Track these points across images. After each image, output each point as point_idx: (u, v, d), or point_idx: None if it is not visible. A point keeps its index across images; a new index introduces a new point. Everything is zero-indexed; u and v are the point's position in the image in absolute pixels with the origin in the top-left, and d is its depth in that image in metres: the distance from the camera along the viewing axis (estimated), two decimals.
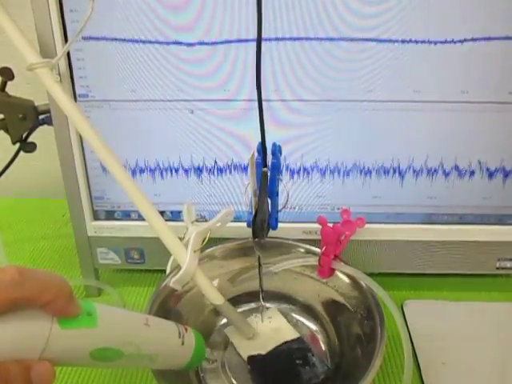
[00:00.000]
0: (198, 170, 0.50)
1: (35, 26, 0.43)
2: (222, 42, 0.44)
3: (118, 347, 0.30)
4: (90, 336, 0.28)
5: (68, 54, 0.45)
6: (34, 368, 0.25)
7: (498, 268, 0.54)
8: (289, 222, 0.52)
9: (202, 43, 0.45)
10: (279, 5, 0.43)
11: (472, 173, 0.50)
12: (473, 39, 0.44)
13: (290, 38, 0.44)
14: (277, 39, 0.44)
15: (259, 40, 0.32)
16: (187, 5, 0.43)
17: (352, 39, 0.44)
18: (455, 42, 0.44)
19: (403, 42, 0.44)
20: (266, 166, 0.38)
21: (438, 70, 0.45)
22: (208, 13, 0.43)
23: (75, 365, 0.30)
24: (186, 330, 0.37)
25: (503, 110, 0.47)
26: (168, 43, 0.45)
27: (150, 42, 0.45)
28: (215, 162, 0.50)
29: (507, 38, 0.44)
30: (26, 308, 0.25)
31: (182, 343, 0.36)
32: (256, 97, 0.35)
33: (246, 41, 0.44)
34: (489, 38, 0.44)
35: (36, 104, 0.51)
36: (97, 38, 0.45)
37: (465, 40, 0.44)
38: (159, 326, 0.36)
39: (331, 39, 0.44)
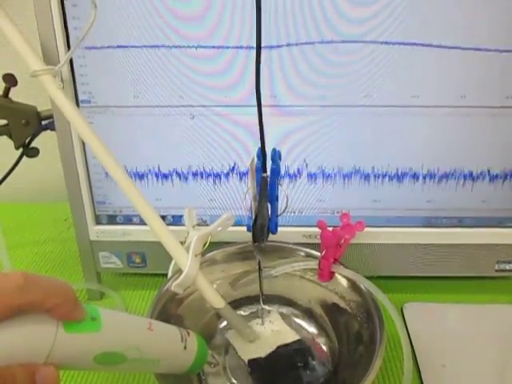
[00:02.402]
0: (199, 175, 0.51)
1: (38, 33, 0.44)
2: (223, 48, 0.45)
3: (121, 351, 0.30)
4: (94, 340, 0.29)
5: (71, 60, 0.46)
6: (38, 372, 0.25)
7: (497, 270, 0.54)
8: (289, 226, 0.52)
9: (204, 47, 0.45)
10: (276, 10, 0.43)
11: (470, 176, 0.50)
12: (471, 43, 0.44)
13: (288, 44, 0.45)
14: (276, 46, 0.45)
15: (258, 45, 0.33)
16: (192, 12, 0.44)
17: (348, 42, 0.44)
18: (453, 47, 0.44)
19: (401, 46, 0.44)
20: (265, 171, 0.38)
21: (436, 75, 0.46)
22: (212, 19, 0.44)
23: (79, 368, 0.30)
24: (188, 334, 0.38)
25: (501, 114, 0.47)
26: (170, 48, 0.45)
27: (152, 47, 0.45)
28: (216, 166, 0.50)
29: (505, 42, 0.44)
30: (31, 312, 0.26)
31: (185, 347, 0.36)
32: (256, 102, 0.35)
33: (247, 47, 0.45)
34: (486, 44, 0.44)
35: (39, 110, 0.51)
36: (99, 47, 0.45)
37: (463, 45, 0.44)
38: (162, 330, 0.36)
39: (328, 42, 0.44)
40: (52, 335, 0.26)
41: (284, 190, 0.46)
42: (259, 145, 0.37)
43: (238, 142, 0.49)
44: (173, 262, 0.47)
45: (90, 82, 0.47)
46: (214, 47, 0.45)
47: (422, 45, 0.44)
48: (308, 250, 0.49)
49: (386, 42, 0.44)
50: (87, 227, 0.53)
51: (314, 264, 0.46)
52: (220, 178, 0.51)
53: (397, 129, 0.48)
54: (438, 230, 0.52)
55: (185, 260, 0.40)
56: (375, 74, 0.46)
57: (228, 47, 0.45)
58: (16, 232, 0.71)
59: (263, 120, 0.36)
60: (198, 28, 0.44)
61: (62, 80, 0.45)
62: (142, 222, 0.42)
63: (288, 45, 0.44)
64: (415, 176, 0.50)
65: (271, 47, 0.45)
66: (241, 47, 0.45)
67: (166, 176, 0.51)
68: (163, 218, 0.47)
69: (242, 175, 0.51)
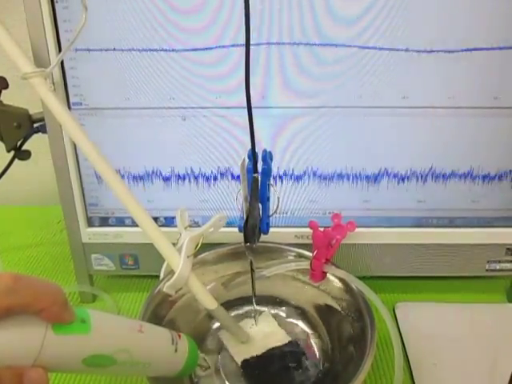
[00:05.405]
0: (191, 176, 0.51)
1: (29, 35, 0.44)
2: (214, 48, 0.45)
3: (111, 354, 0.30)
4: (84, 343, 0.29)
5: (62, 62, 0.46)
6: (27, 374, 0.25)
7: (487, 270, 0.55)
8: (280, 227, 0.53)
9: (194, 50, 0.45)
10: (269, 10, 0.43)
11: (461, 176, 0.50)
12: (460, 46, 0.45)
13: (279, 43, 0.45)
14: (268, 43, 0.45)
15: (247, 46, 0.33)
16: (183, 12, 0.44)
17: (339, 45, 0.45)
18: (442, 50, 0.45)
19: (390, 49, 0.45)
20: (256, 171, 0.38)
21: (425, 77, 0.46)
22: (203, 20, 0.44)
23: (68, 371, 0.30)
24: (179, 336, 0.37)
25: (490, 114, 0.48)
26: (161, 51, 0.45)
27: (144, 49, 0.45)
28: (208, 168, 0.51)
29: (491, 47, 0.45)
30: (20, 314, 0.25)
31: (176, 350, 0.36)
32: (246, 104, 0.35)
33: (237, 46, 0.45)
34: (474, 49, 0.45)
35: (30, 112, 0.51)
36: (90, 49, 0.45)
37: (451, 47, 0.45)
38: (153, 332, 0.36)
39: (320, 45, 0.45)
40: (41, 337, 0.26)
41: (275, 190, 0.46)
42: (250, 145, 0.37)
43: (230, 143, 0.49)
44: (165, 264, 0.47)
45: (81, 85, 0.47)
46: (204, 49, 0.45)
47: (411, 49, 0.45)
48: (300, 250, 0.49)
49: (376, 47, 0.45)
50: (79, 229, 0.53)
51: (305, 264, 0.47)
52: (212, 179, 0.51)
53: (387, 129, 0.48)
54: (428, 230, 0.53)
55: (177, 261, 0.40)
56: (365, 75, 0.46)
57: (218, 47, 0.45)
58: (8, 234, 0.71)
59: (253, 121, 0.36)
60: (188, 30, 0.44)
61: (53, 82, 0.45)
62: (135, 224, 0.42)
63: (279, 44, 0.45)
64: (406, 177, 0.50)
65: (260, 45, 0.45)
66: (228, 46, 0.45)
67: (157, 177, 0.51)
68: (155, 219, 0.47)
69: (233, 176, 0.51)
